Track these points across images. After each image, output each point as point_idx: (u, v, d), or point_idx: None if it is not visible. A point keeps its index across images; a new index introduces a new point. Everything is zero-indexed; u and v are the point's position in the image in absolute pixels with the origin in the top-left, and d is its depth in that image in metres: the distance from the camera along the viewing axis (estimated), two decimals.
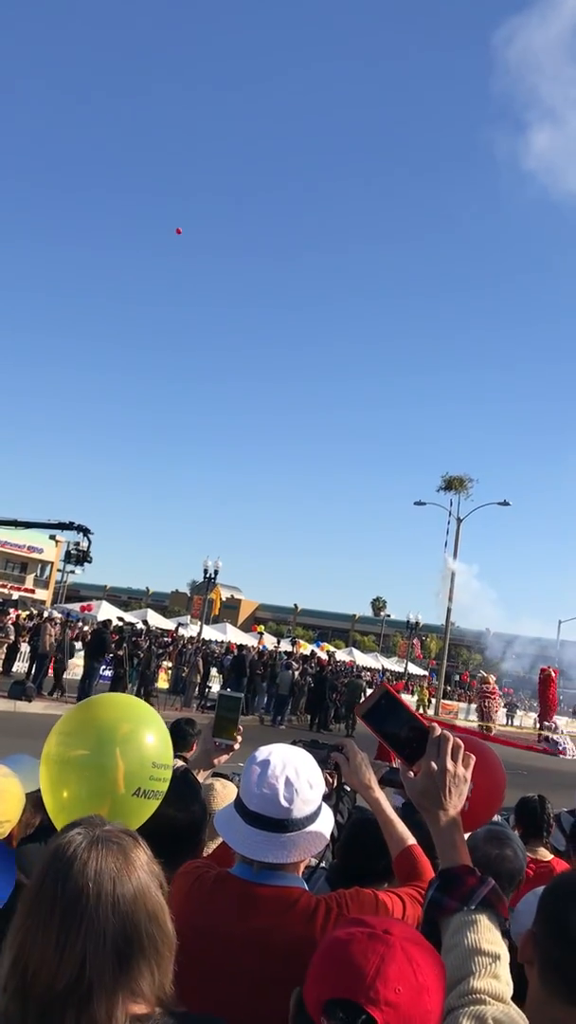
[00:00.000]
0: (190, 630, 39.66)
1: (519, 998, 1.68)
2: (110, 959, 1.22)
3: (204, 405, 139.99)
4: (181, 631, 38.46)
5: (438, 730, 1.68)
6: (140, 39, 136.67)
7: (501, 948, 1.45)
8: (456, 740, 1.66)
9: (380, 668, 52.64)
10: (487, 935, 1.46)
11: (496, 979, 1.41)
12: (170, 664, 29.12)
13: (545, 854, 4.51)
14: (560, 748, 31.56)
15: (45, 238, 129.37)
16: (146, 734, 2.23)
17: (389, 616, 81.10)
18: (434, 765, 1.63)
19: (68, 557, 23.55)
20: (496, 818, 4.89)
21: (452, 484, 47.77)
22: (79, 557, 22.58)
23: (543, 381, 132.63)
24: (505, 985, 1.41)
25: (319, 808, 1.96)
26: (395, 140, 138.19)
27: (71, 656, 23.50)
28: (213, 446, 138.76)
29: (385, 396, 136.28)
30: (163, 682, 27.76)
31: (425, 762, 1.64)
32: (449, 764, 1.63)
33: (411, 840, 2.24)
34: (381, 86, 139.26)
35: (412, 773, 1.67)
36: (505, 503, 44.30)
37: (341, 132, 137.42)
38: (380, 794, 2.24)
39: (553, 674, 36.57)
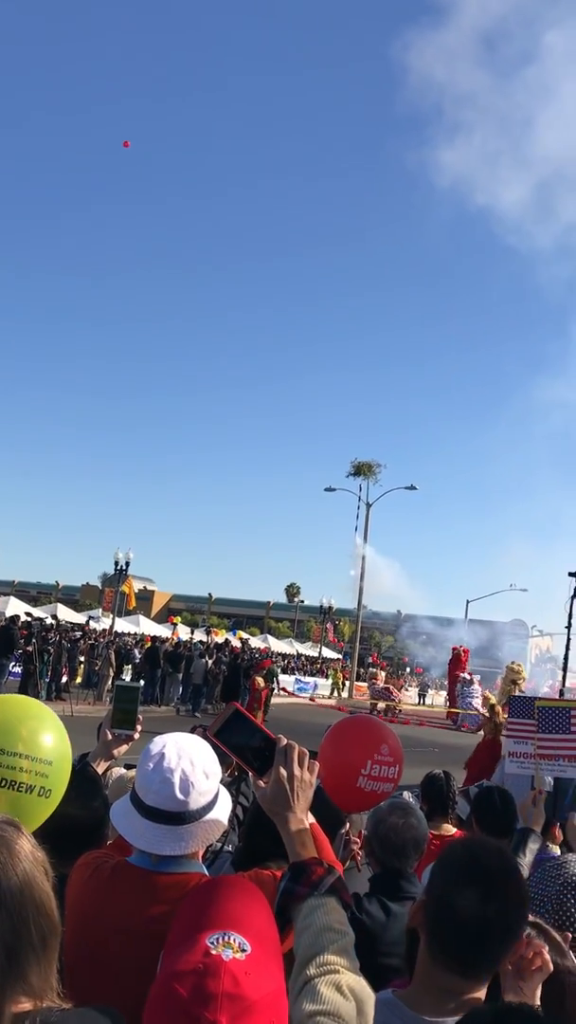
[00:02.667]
0: (102, 623, 39.13)
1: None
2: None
3: (112, 398, 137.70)
4: (92, 624, 37.88)
5: (284, 740, 1.81)
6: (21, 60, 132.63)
7: (348, 929, 1.58)
8: (301, 749, 1.80)
9: (295, 653, 53.03)
10: (336, 915, 1.58)
11: (346, 953, 1.53)
12: (83, 659, 28.69)
13: (449, 829, 4.63)
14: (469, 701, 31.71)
15: None
16: None
17: (303, 602, 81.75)
18: (283, 771, 1.75)
19: None
20: (406, 795, 5.01)
21: (361, 470, 48.36)
22: None
23: (449, 371, 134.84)
24: (353, 960, 1.53)
25: (216, 796, 1.97)
26: (301, 154, 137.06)
27: None
28: (122, 438, 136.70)
29: (297, 389, 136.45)
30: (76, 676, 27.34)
31: (274, 770, 1.77)
32: (296, 771, 1.76)
33: (311, 819, 2.26)
34: (288, 106, 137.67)
35: (262, 783, 1.79)
36: (412, 487, 45.22)
37: (243, 150, 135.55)
38: None
39: (463, 654, 37.47)
